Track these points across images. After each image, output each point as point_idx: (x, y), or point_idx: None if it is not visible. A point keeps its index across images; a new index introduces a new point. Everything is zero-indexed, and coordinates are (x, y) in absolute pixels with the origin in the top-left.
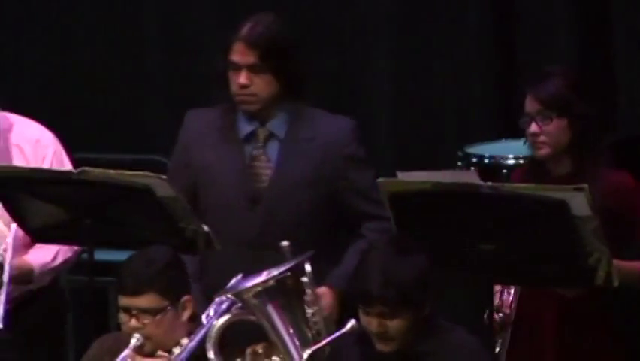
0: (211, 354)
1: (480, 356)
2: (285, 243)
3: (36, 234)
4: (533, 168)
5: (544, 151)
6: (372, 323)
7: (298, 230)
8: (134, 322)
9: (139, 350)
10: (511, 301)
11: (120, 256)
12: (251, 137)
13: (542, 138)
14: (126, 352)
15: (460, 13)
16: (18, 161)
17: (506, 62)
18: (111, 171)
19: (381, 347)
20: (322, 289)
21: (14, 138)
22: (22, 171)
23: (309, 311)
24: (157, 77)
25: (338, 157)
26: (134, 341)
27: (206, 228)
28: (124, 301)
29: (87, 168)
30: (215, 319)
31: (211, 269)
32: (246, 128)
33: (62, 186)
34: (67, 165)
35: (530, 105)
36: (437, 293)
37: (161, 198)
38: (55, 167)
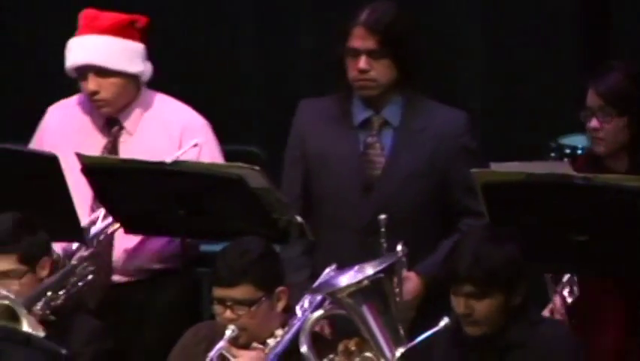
0: (304, 348)
1: (569, 348)
2: (382, 216)
3: (128, 224)
4: (592, 162)
5: (602, 148)
6: (459, 304)
7: (409, 219)
8: (228, 313)
9: (234, 342)
10: (566, 306)
11: (214, 247)
12: (365, 124)
13: (601, 135)
14: (221, 343)
15: (555, 3)
16: (165, 141)
17: (601, 53)
18: (205, 162)
19: (468, 330)
20: (408, 274)
21: (165, 118)
22: (115, 161)
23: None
24: (253, 69)
25: (450, 148)
26: (228, 333)
27: (299, 218)
28: (218, 292)
29: (180, 159)
30: (309, 312)
31: (321, 254)
32: (361, 115)
33: (156, 176)
34: (217, 153)
35: (592, 100)
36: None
37: (254, 189)
38: (206, 153)
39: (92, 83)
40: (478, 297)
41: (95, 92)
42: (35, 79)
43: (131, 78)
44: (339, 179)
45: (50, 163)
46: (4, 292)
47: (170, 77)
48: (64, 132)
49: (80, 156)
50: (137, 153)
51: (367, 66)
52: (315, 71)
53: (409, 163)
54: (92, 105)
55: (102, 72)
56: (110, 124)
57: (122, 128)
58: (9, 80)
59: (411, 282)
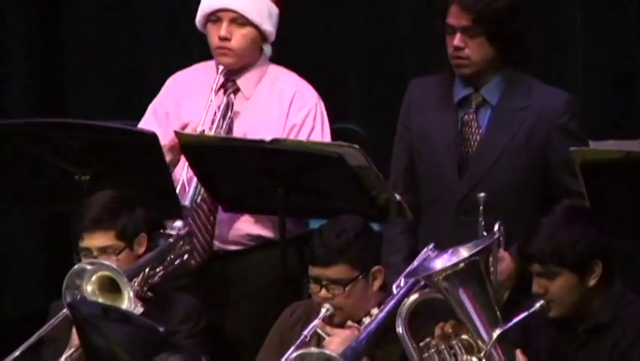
0: (400, 330)
1: None
2: (481, 194)
3: (227, 203)
4: None
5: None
6: (533, 284)
7: (503, 198)
8: (323, 292)
9: (329, 320)
10: None
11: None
12: (464, 102)
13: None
14: (316, 322)
15: None
16: (277, 107)
17: None
18: (304, 140)
19: (548, 310)
20: (503, 254)
21: (278, 85)
22: (214, 139)
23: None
24: (353, 46)
25: (550, 128)
26: (323, 311)
27: (398, 197)
28: (314, 271)
29: (280, 137)
30: (404, 292)
31: (421, 231)
32: (460, 93)
33: (255, 155)
34: (325, 125)
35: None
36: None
37: (353, 167)
38: (313, 122)
39: (225, 30)
40: (549, 277)
41: (226, 39)
42: (133, 56)
43: (261, 36)
44: (437, 156)
45: (150, 140)
46: (110, 264)
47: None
48: (183, 96)
49: (178, 134)
50: (250, 118)
51: (461, 43)
52: (416, 48)
53: (504, 142)
54: (212, 70)
55: (238, 21)
56: (226, 88)
57: (238, 90)
58: (107, 55)
59: (504, 262)
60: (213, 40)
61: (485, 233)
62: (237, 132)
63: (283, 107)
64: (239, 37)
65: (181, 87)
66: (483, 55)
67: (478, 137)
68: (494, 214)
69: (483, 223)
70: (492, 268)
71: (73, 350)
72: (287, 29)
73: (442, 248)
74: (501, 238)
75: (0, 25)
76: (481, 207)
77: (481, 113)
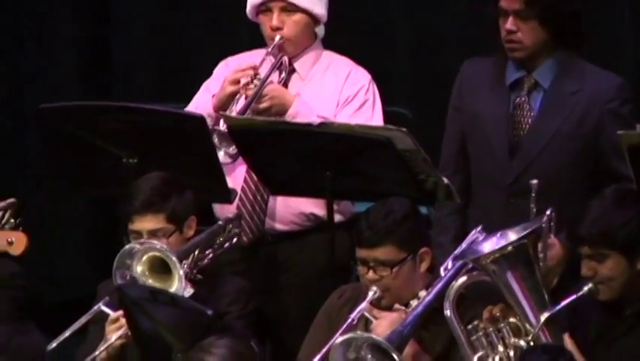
0: (448, 313)
1: None
2: (534, 181)
3: (275, 186)
4: None
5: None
6: (583, 266)
7: (554, 182)
8: (371, 274)
9: (377, 303)
10: None
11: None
12: (516, 85)
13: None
14: (363, 305)
15: None
16: (332, 88)
17: None
18: (352, 124)
19: (597, 293)
20: (553, 240)
21: (333, 67)
22: (261, 122)
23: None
24: (399, 30)
25: (601, 112)
26: (371, 294)
27: (446, 180)
28: (361, 253)
29: (328, 121)
30: (452, 274)
31: (472, 213)
32: (513, 75)
33: (303, 138)
34: (377, 102)
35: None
36: None
37: (401, 150)
38: (365, 96)
39: (276, 19)
40: (598, 259)
41: (278, 28)
42: (180, 39)
43: (313, 20)
44: (488, 138)
45: (198, 124)
46: (160, 244)
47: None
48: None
49: (226, 118)
50: (305, 98)
51: (514, 27)
52: (466, 31)
53: (556, 125)
54: (261, 57)
55: (288, 8)
56: (281, 71)
57: (294, 71)
58: (154, 39)
59: (554, 248)
60: (266, 30)
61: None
62: (291, 112)
63: (338, 85)
64: (291, 24)
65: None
66: (535, 38)
67: (529, 120)
68: (544, 198)
69: (535, 210)
70: (542, 254)
71: (107, 344)
72: (336, 13)
73: (491, 230)
74: (552, 224)
75: (48, 8)
76: (533, 194)
77: (533, 96)
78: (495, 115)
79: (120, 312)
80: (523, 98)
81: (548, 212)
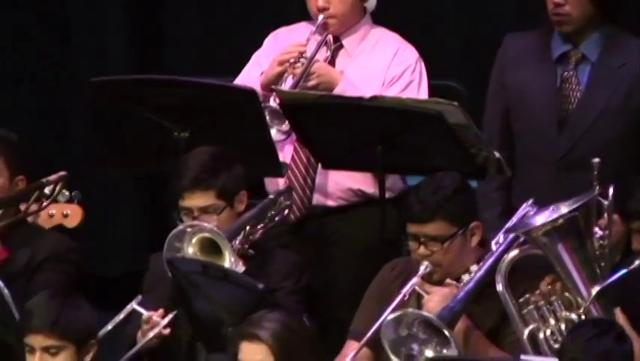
0: (500, 287)
1: None
2: (595, 160)
3: (325, 160)
4: None
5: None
6: (633, 240)
7: (602, 156)
8: (422, 249)
9: (428, 278)
10: None
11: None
12: (563, 58)
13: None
14: (414, 279)
15: None
16: (380, 64)
17: None
18: (403, 97)
19: None
20: (616, 217)
21: (381, 44)
22: (312, 96)
23: (599, 233)
24: (449, 3)
25: None
26: (422, 269)
27: (497, 154)
28: (412, 228)
29: (379, 95)
30: (504, 248)
31: (518, 189)
32: (559, 49)
33: (354, 112)
34: (423, 81)
35: None
36: None
37: (452, 124)
38: (411, 76)
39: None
40: None
41: (324, 9)
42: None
43: None
44: (535, 113)
45: (250, 97)
46: (209, 226)
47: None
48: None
49: (278, 92)
50: (352, 75)
51: (562, 0)
52: (514, 3)
53: (604, 99)
54: (309, 28)
55: None
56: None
57: (341, 47)
58: (203, 12)
59: (615, 225)
60: (312, 9)
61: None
62: (338, 90)
63: (385, 62)
64: (337, 3)
65: (281, 45)
66: (583, 11)
67: (578, 93)
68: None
69: (598, 188)
70: (607, 232)
71: (143, 342)
72: None
73: (540, 204)
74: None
75: None
76: (595, 172)
77: (581, 69)
78: (543, 89)
79: (152, 313)
80: (570, 72)
81: (611, 190)
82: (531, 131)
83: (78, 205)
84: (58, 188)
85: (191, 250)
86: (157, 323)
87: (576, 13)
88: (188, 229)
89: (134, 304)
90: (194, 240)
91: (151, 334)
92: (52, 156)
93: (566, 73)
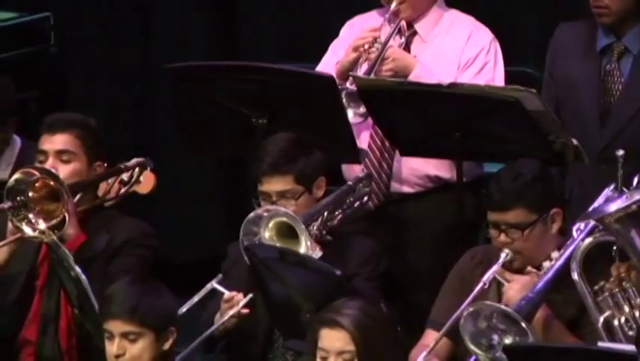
0: (575, 275)
1: None
2: (620, 152)
3: (404, 147)
4: None
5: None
6: None
7: None
8: (502, 237)
9: (508, 266)
10: None
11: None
12: (606, 50)
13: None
14: (495, 267)
15: None
16: (455, 49)
17: None
18: (482, 84)
19: None
20: None
21: (454, 28)
22: (391, 83)
23: None
24: None
25: None
26: (503, 256)
27: (575, 141)
28: (493, 216)
29: (457, 82)
30: (584, 236)
31: (567, 179)
32: (603, 41)
33: (432, 99)
34: (499, 62)
35: None
36: None
37: (530, 111)
38: (486, 57)
39: None
40: None
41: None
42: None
43: None
44: (579, 105)
45: (327, 84)
46: (285, 210)
47: None
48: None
49: (355, 78)
50: (427, 60)
51: None
52: None
53: None
54: (384, 16)
55: None
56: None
57: (415, 33)
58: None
59: None
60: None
61: (624, 187)
62: (413, 75)
63: (459, 46)
64: None
65: (357, 34)
66: (622, 4)
67: (620, 86)
68: (635, 164)
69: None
70: None
71: (222, 320)
72: None
73: (582, 196)
74: None
75: None
76: (620, 162)
77: (623, 62)
78: (587, 82)
79: (233, 293)
80: (613, 65)
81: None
82: (574, 122)
83: (151, 172)
84: (136, 174)
85: (267, 234)
86: (237, 301)
87: (615, 6)
88: (265, 213)
89: (214, 283)
90: (270, 224)
91: (230, 312)
92: (130, 142)
93: (608, 65)
